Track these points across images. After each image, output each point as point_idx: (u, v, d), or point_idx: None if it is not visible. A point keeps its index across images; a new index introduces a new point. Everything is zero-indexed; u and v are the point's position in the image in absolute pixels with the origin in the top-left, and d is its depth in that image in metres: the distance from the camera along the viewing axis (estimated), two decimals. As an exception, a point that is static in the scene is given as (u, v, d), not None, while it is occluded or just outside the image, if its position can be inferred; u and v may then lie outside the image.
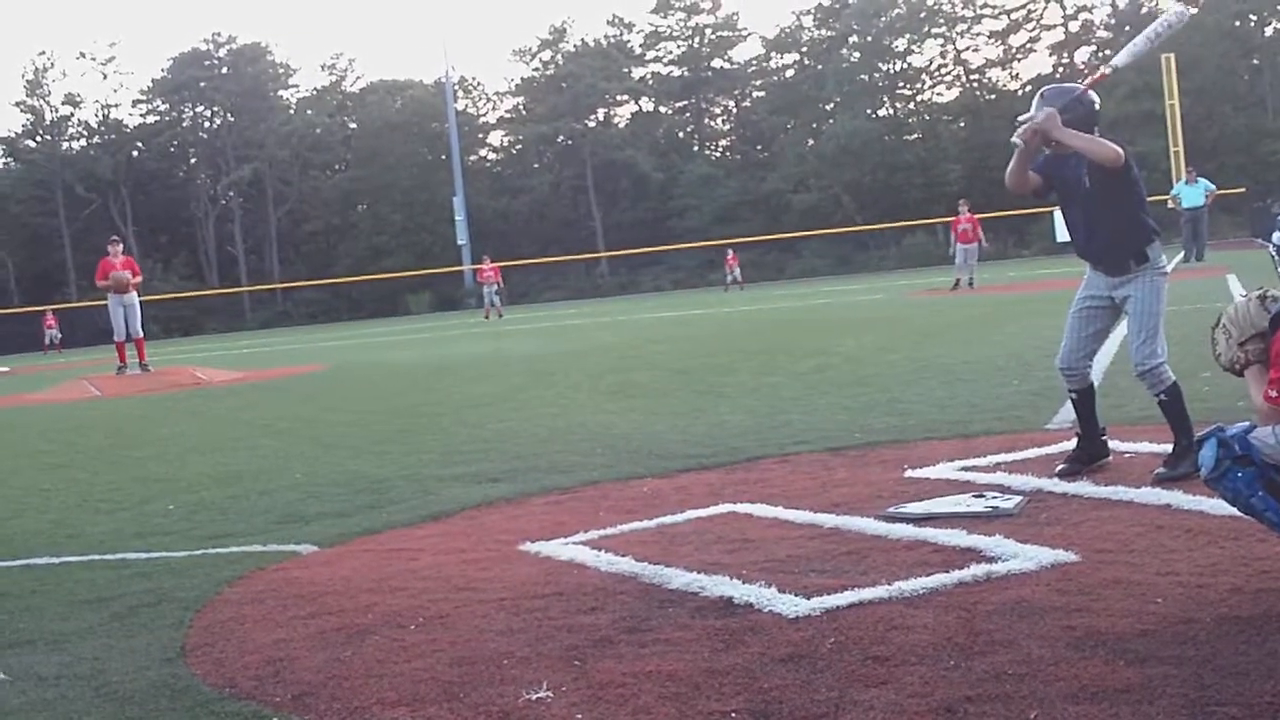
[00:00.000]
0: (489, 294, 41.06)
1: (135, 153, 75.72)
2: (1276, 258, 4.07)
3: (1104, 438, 5.98)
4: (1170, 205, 30.40)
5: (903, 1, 67.93)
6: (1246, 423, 3.86)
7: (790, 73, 73.98)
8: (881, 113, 68.98)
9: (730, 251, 51.55)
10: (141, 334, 20.63)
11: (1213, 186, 31.26)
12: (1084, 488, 5.48)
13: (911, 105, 70.92)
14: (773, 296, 36.50)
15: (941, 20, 68.66)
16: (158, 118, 76.79)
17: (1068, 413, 7.64)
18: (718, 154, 76.77)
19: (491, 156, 79.62)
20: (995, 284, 28.04)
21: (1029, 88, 68.73)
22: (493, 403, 12.06)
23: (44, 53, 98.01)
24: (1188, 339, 8.23)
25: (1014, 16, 68.13)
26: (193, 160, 78.06)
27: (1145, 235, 5.71)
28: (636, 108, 76.48)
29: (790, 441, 7.65)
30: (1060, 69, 67.94)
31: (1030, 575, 4.17)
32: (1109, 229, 5.70)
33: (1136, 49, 5.83)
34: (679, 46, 75.58)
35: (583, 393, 12.23)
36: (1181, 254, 28.91)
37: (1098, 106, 5.75)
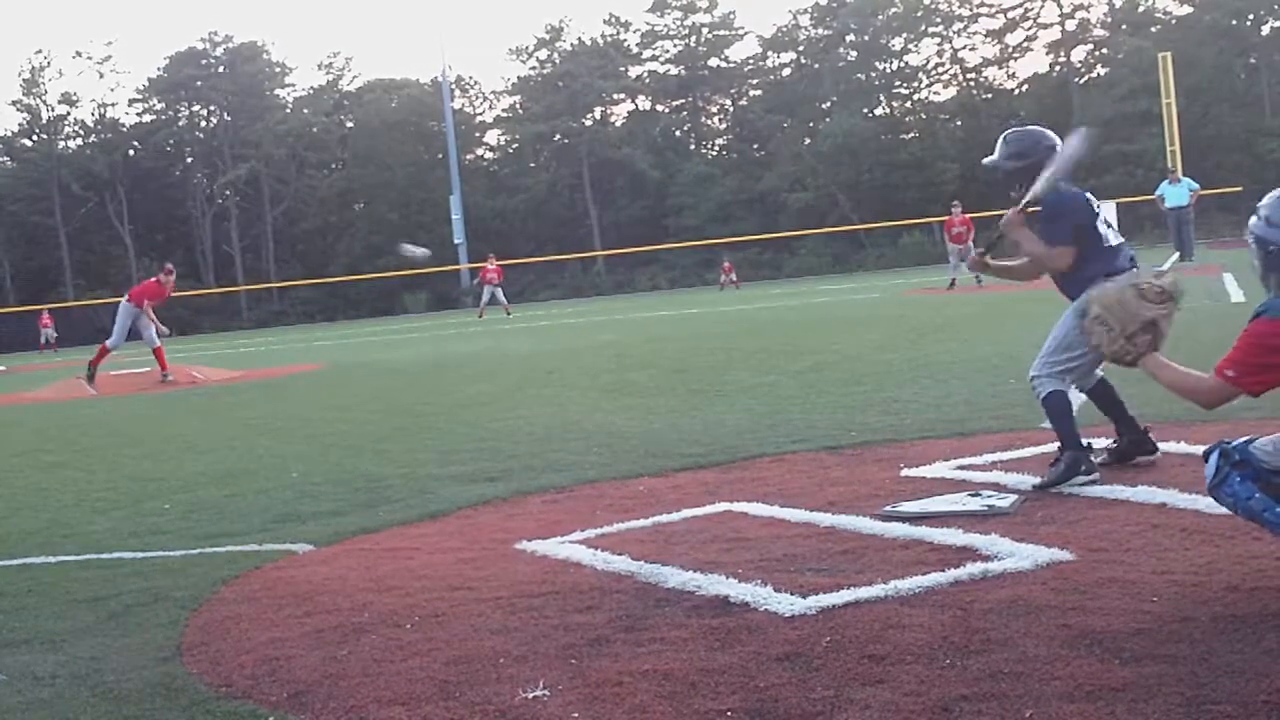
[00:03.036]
0: (490, 293, 39.67)
1: (131, 152, 75.58)
2: (1254, 247, 4.05)
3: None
4: (1160, 206, 30.58)
5: (899, 1, 67.95)
6: (1249, 436, 3.92)
7: (787, 72, 73.97)
8: (878, 112, 68.96)
9: (726, 261, 51.84)
10: (159, 343, 19.46)
11: (1197, 186, 31.30)
12: (1079, 487, 5.48)
13: (908, 104, 70.91)
14: (769, 295, 36.50)
15: (938, 19, 68.66)
16: (154, 117, 76.67)
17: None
18: (714, 153, 76.73)
19: (488, 155, 79.57)
20: (991, 283, 28.03)
21: (1025, 87, 68.95)
22: (489, 402, 12.06)
23: (40, 52, 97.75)
24: (1174, 338, 8.21)
25: (1010, 15, 68.15)
26: (189, 159, 77.93)
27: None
28: (633, 106, 76.49)
29: (787, 440, 7.65)
30: (1057, 68, 67.99)
31: (1026, 574, 4.17)
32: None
33: (1044, 181, 5.69)
34: (675, 45, 75.55)
35: (579, 392, 12.23)
36: (1177, 254, 28.94)
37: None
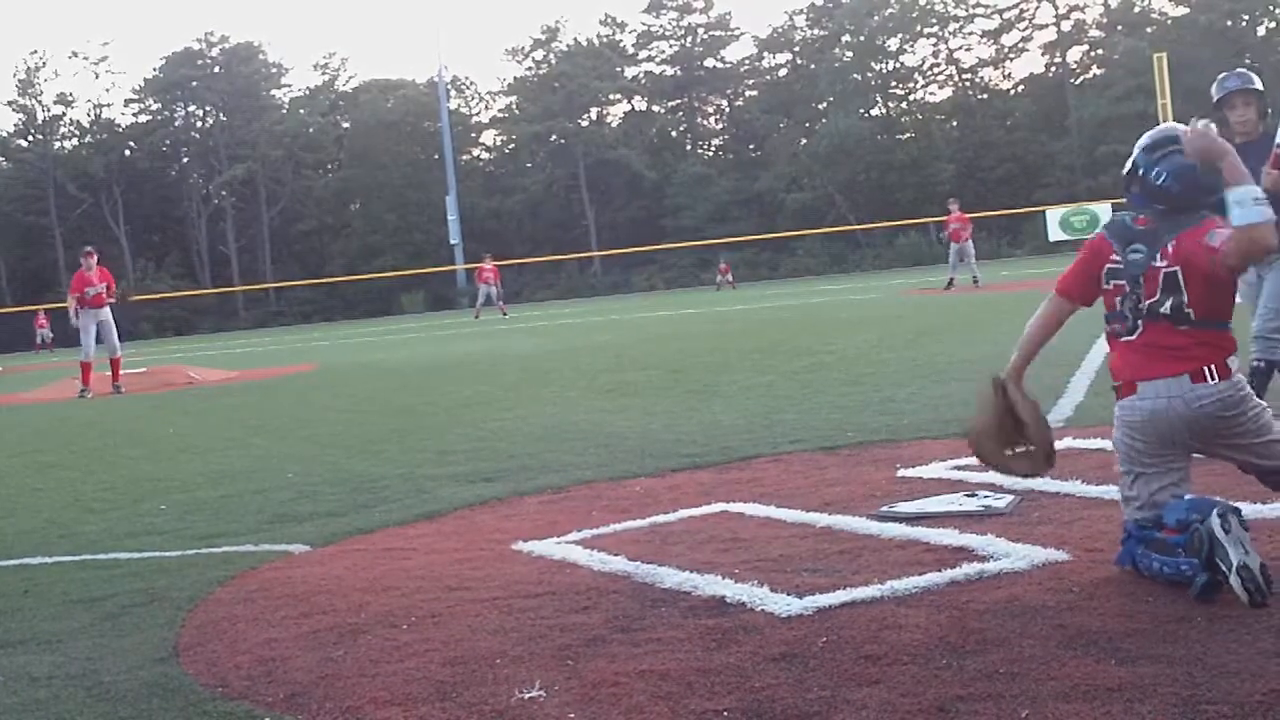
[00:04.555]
0: (485, 293, 39.40)
1: (127, 152, 75.55)
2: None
3: None
4: None
5: (895, 1, 67.99)
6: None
7: (783, 72, 74.06)
8: (874, 112, 69.02)
9: (722, 261, 51.90)
10: (119, 353, 18.46)
11: None
12: (1076, 487, 5.48)
13: (904, 105, 70.98)
14: (766, 296, 36.51)
15: (934, 20, 68.72)
16: (150, 117, 76.64)
17: (1059, 412, 7.67)
18: (710, 153, 76.79)
19: (484, 156, 79.61)
20: (988, 283, 28.08)
21: (1021, 87, 69.01)
22: (486, 402, 12.05)
23: (36, 52, 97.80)
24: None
25: (1006, 16, 68.27)
26: (185, 160, 77.88)
27: None
28: (629, 107, 76.53)
29: (783, 441, 7.65)
30: (1053, 68, 68.06)
31: (1022, 574, 4.17)
32: None
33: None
34: (671, 46, 75.63)
35: (576, 392, 12.23)
36: None
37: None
